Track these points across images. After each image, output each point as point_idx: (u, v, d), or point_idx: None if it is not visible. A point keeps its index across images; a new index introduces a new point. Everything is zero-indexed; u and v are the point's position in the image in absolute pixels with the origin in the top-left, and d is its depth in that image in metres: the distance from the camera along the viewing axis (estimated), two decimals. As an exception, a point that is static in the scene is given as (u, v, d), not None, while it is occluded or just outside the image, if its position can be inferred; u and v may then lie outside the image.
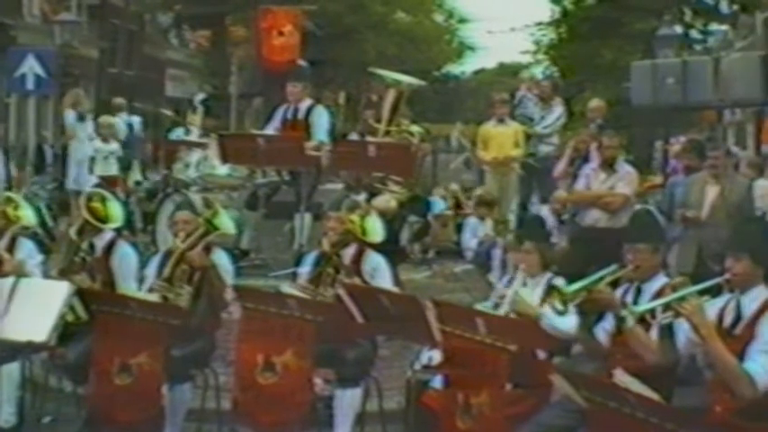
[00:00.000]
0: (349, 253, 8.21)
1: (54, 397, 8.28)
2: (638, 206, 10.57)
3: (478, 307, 7.45)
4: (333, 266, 8.13)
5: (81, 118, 17.36)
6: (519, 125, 14.06)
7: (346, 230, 8.19)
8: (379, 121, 11.21)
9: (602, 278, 6.53)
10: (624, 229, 10.62)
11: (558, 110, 14.50)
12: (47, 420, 8.19)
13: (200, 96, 14.89)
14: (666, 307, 6.05)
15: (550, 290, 6.62)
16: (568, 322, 6.82)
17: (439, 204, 14.91)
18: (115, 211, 8.34)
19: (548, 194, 13.54)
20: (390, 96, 11.17)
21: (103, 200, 8.35)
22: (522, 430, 6.33)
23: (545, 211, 12.23)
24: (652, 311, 6.30)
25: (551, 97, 14.64)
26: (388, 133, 11.16)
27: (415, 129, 11.86)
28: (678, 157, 13.63)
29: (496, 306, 7.32)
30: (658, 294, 6.51)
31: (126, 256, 8.28)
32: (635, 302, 6.54)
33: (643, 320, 6.32)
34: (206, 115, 13.46)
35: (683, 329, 6.02)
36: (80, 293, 7.73)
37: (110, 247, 8.26)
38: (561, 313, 6.48)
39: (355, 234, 8.21)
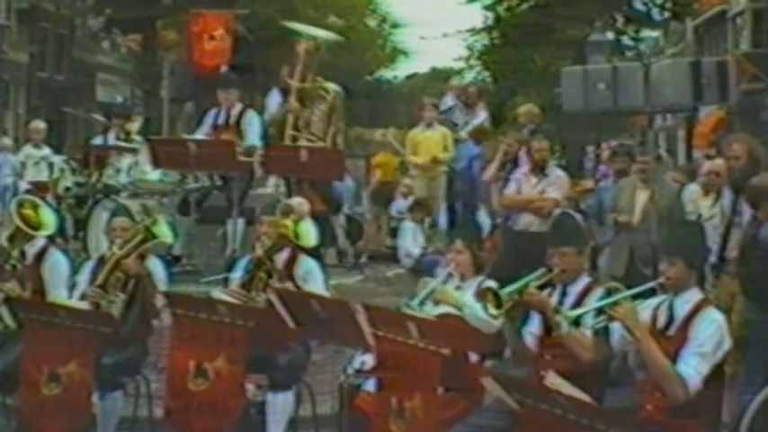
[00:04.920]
0: (282, 257, 8.19)
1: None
2: (557, 211, 10.62)
3: (406, 304, 7.47)
4: (265, 271, 8.11)
5: None
6: (447, 129, 14.12)
7: (280, 235, 8.17)
8: (292, 77, 11.24)
9: (530, 282, 6.57)
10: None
11: (481, 115, 14.62)
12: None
13: (119, 99, 14.79)
14: (600, 311, 6.09)
15: (484, 292, 6.61)
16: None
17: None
18: (47, 217, 8.19)
19: (471, 199, 13.63)
20: (302, 49, 11.15)
21: (35, 206, 8.20)
22: (454, 430, 6.36)
23: (482, 215, 12.27)
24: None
25: (476, 102, 14.75)
26: (302, 90, 11.16)
27: (330, 86, 11.81)
28: (609, 162, 13.74)
29: (423, 302, 7.32)
30: (584, 294, 6.58)
31: (57, 264, 8.15)
32: (560, 303, 6.57)
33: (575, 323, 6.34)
34: (146, 123, 13.34)
35: (617, 327, 6.07)
36: (8, 302, 7.62)
37: (41, 255, 8.13)
38: (496, 317, 6.51)
39: (289, 238, 8.19)
